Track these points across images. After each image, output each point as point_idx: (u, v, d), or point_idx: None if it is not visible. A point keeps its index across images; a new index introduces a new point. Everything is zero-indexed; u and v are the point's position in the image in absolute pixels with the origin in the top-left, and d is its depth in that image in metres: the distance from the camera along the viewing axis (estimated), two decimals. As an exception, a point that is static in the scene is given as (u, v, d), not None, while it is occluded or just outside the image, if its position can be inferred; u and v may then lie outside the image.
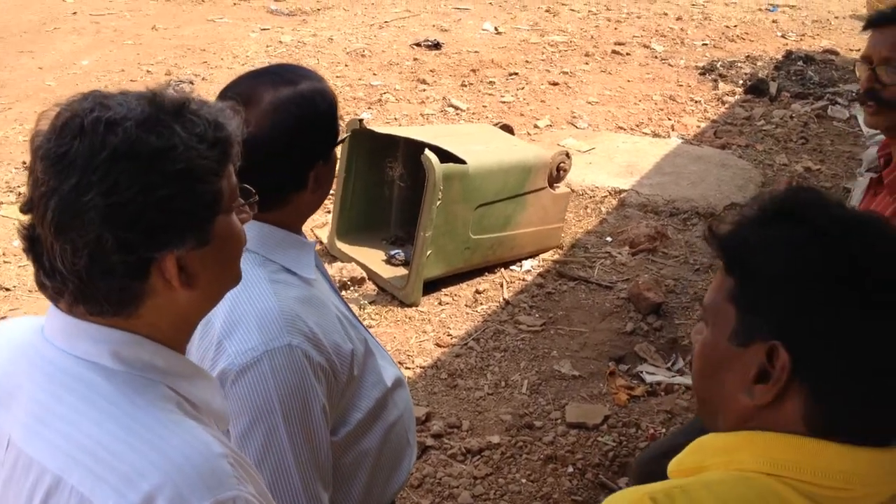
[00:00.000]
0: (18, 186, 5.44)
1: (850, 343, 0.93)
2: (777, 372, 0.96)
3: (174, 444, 1.00)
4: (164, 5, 9.15)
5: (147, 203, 0.99)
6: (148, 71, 7.30)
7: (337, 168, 4.67)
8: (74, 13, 8.69)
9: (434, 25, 8.97)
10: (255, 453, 1.37)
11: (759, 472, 0.95)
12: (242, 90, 1.49)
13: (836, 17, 9.87)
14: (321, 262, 1.70)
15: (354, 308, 4.23)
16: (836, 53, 8.49)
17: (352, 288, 4.42)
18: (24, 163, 5.70)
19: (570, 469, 3.22)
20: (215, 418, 1.15)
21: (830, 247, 0.96)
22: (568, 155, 4.94)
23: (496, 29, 8.98)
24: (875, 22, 1.95)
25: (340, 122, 5.35)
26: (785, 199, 1.03)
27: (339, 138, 1.58)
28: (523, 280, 4.57)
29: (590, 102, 7.22)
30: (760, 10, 10.07)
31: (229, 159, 1.10)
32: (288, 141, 1.46)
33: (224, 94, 1.51)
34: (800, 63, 8.16)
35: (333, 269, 4.45)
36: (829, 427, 0.95)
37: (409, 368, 3.83)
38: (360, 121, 4.73)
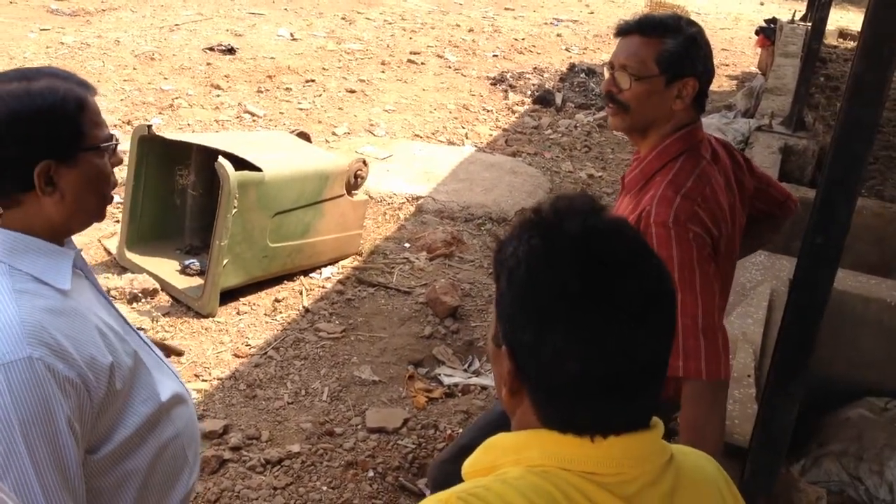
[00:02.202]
0: None
1: (553, 355, 0.98)
2: (506, 376, 1.03)
3: None
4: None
5: None
6: None
7: (126, 175, 4.50)
8: None
9: (228, 30, 8.79)
10: None
11: (552, 467, 1.01)
12: None
13: (615, 33, 10.51)
14: (90, 270, 1.63)
15: (146, 321, 4.08)
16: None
17: (143, 300, 4.25)
18: None
19: (371, 474, 3.25)
20: None
21: (554, 258, 1.00)
22: (365, 162, 4.99)
23: (292, 35, 8.92)
24: (619, 31, 2.12)
25: (128, 127, 5.11)
26: (540, 209, 1.07)
27: (96, 143, 1.51)
28: (323, 287, 4.57)
29: (387, 110, 7.32)
30: (546, 24, 10.56)
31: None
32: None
33: None
34: (582, 75, 8.64)
35: (123, 281, 4.27)
36: (567, 424, 1.01)
37: (205, 381, 3.74)
38: (149, 127, 4.57)
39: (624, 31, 2.10)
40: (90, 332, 1.45)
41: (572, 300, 0.97)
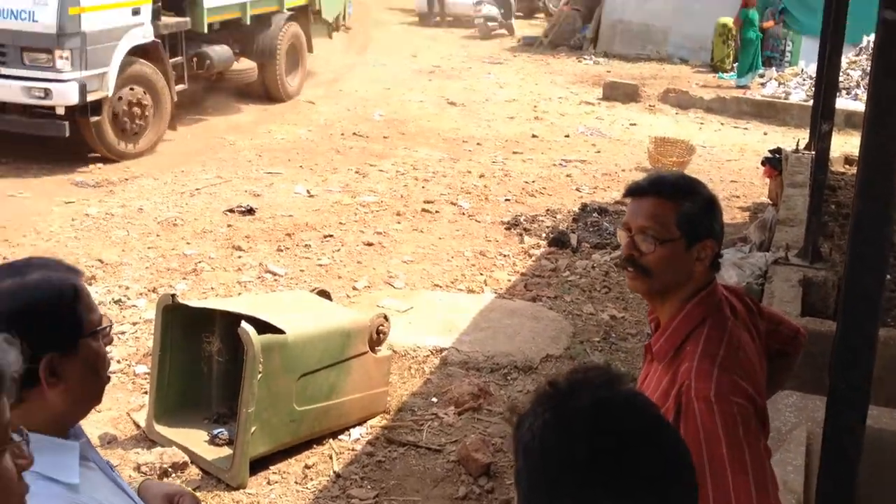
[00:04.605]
0: None
1: None
2: None
3: None
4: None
5: None
6: (-60, 252, 6.89)
7: (152, 346, 4.54)
8: None
9: (246, 191, 9.04)
10: None
11: None
12: None
13: (623, 170, 10.73)
14: (100, 458, 1.62)
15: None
16: (624, 204, 9.19)
17: (174, 474, 4.22)
18: None
19: None
20: None
21: (564, 431, 1.01)
22: (386, 318, 5.04)
23: (308, 192, 9.15)
24: (632, 192, 2.10)
25: (153, 295, 5.17)
26: (556, 382, 1.09)
27: (93, 329, 1.53)
28: (353, 450, 4.53)
29: (405, 261, 7.42)
30: (555, 165, 10.81)
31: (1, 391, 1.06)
32: None
33: None
34: (595, 214, 8.78)
35: (153, 456, 4.24)
36: None
37: (238, 557, 3.66)
38: (173, 296, 4.64)
39: (638, 192, 2.09)
40: None
41: (581, 472, 0.98)
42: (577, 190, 9.86)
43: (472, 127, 12.80)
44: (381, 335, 4.94)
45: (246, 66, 12.67)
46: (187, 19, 10.87)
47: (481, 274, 7.27)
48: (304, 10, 13.96)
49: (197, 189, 9.00)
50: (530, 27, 25.11)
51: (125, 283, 6.56)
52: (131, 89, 9.89)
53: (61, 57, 8.85)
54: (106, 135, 9.69)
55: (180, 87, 10.89)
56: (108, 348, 1.58)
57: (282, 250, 7.49)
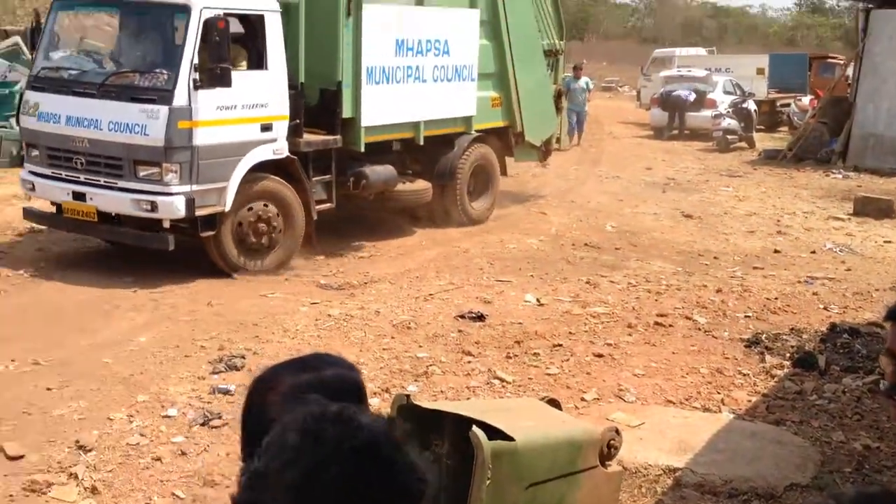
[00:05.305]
0: (71, 466, 5.39)
1: None
2: None
3: None
4: (221, 282, 9.50)
5: None
6: (202, 346, 7.46)
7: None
8: (135, 291, 9.03)
9: (477, 297, 9.19)
10: None
11: None
12: (267, 376, 1.60)
13: (877, 290, 9.96)
14: None
15: None
16: (881, 326, 8.47)
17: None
18: (78, 442, 5.68)
19: None
20: None
21: None
22: (618, 431, 4.83)
23: (538, 300, 9.17)
24: (894, 316, 1.90)
25: (387, 395, 5.31)
26: (840, 499, 0.98)
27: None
28: (578, 568, 4.32)
29: (636, 375, 7.19)
30: (799, 282, 10.22)
31: None
32: None
33: (258, 384, 1.61)
34: (846, 336, 8.14)
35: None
36: None
37: None
38: (407, 396, 4.71)
39: None
40: None
41: None
42: (825, 309, 9.23)
43: (709, 240, 12.43)
44: (612, 449, 4.74)
45: (421, 185, 12.05)
46: (337, 137, 10.45)
47: (718, 392, 6.89)
48: (501, 131, 13.28)
49: (430, 294, 9.26)
50: (772, 140, 24.44)
51: (361, 382, 6.77)
52: (265, 205, 9.70)
53: (169, 171, 8.79)
54: (226, 249, 9.52)
55: (325, 206, 10.55)
56: None
57: (510, 357, 7.48)
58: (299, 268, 10.17)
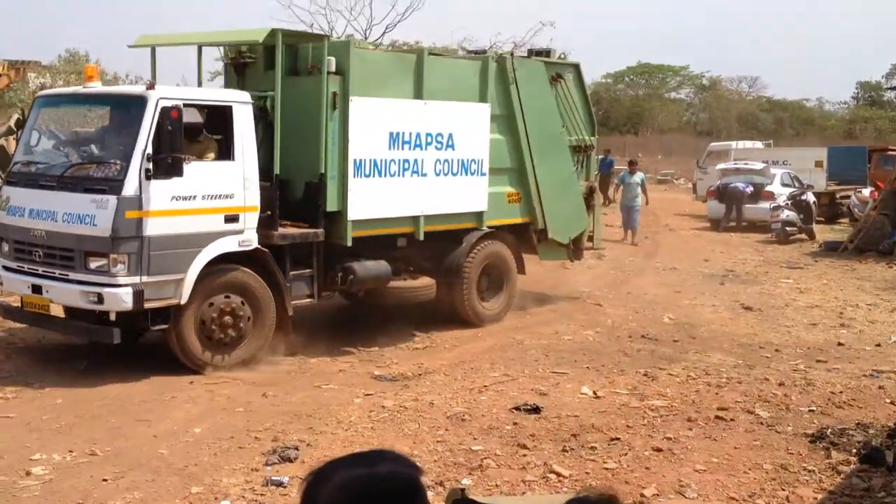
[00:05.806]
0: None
1: None
2: None
3: None
4: (275, 373, 9.58)
5: None
6: (256, 437, 7.48)
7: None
8: (191, 382, 9.13)
9: (532, 389, 9.09)
10: None
11: None
12: (322, 469, 1.61)
13: (948, 383, 9.61)
14: None
15: None
16: (954, 421, 8.16)
17: None
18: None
19: None
20: None
21: None
22: (678, 529, 4.69)
23: (595, 393, 9.03)
24: None
25: (441, 489, 5.24)
26: None
27: None
28: None
29: (697, 470, 6.98)
30: (864, 376, 9.92)
31: None
32: None
33: (313, 478, 1.62)
34: (916, 433, 7.83)
35: None
36: None
37: None
38: (462, 490, 4.63)
39: None
40: None
41: None
42: (892, 403, 8.92)
43: (770, 333, 12.19)
44: (670, 547, 4.60)
45: (424, 282, 11.68)
46: (318, 231, 10.07)
47: (783, 489, 6.64)
48: (518, 228, 12.66)
49: (485, 386, 9.18)
50: (832, 232, 24.10)
51: (414, 475, 6.69)
52: (226, 297, 9.33)
53: (117, 261, 8.53)
54: (187, 344, 9.16)
55: (305, 301, 10.20)
56: None
57: (567, 451, 7.34)
58: (354, 359, 10.21)
